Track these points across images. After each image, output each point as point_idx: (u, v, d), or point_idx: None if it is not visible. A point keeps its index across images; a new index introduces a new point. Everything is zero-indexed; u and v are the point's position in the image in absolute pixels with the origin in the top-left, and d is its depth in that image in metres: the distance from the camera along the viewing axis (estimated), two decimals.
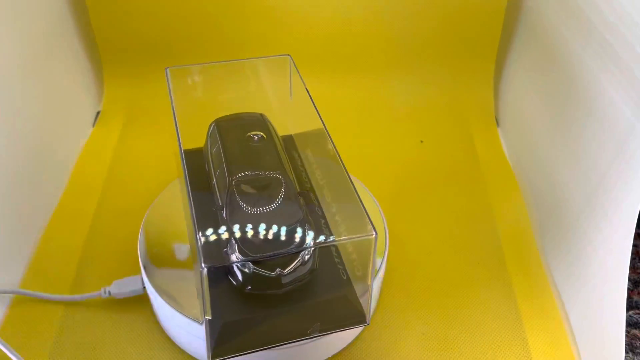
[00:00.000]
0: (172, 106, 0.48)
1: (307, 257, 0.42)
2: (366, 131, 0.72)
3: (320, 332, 0.41)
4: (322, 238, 0.42)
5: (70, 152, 0.66)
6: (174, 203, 0.52)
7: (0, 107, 0.52)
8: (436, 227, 0.60)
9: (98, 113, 0.73)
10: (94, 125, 0.72)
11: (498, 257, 0.57)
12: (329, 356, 0.48)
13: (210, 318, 0.39)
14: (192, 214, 0.39)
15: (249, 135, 0.48)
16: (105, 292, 0.49)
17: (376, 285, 0.48)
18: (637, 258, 0.60)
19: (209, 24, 0.74)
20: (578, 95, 0.54)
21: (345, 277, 0.43)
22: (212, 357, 0.39)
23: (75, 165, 0.65)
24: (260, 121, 0.51)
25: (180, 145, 0.44)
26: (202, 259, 0.36)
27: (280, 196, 0.43)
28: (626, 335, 0.52)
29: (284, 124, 0.54)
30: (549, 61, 0.62)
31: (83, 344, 0.48)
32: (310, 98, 0.49)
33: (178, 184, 0.54)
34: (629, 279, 0.58)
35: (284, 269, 0.40)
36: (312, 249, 0.42)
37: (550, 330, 0.51)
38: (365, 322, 0.42)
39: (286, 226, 0.41)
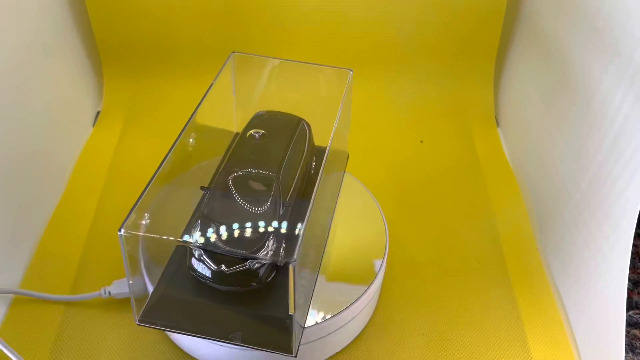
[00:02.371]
0: (212, 84, 0.49)
1: (255, 266, 0.42)
2: (366, 131, 0.72)
3: (241, 343, 0.41)
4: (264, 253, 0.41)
5: (70, 152, 0.66)
6: (174, 203, 0.52)
7: (0, 107, 0.52)
8: (436, 227, 0.60)
9: (98, 113, 0.73)
10: (94, 125, 0.72)
11: (498, 257, 0.57)
12: (329, 356, 0.48)
13: (132, 282, 0.41)
14: (149, 183, 0.41)
15: (251, 134, 0.48)
16: (105, 292, 0.49)
17: (376, 285, 0.48)
18: (637, 258, 0.60)
19: (209, 24, 0.74)
20: (578, 95, 0.54)
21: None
22: (139, 321, 0.42)
23: (75, 165, 0.65)
24: (292, 124, 0.49)
25: (190, 118, 0.46)
26: (123, 224, 0.38)
27: (261, 198, 0.43)
28: (626, 335, 0.52)
29: (344, 139, 0.54)
30: (549, 61, 0.62)
31: (83, 344, 0.48)
32: (337, 117, 0.48)
33: (178, 183, 0.54)
34: (629, 279, 0.58)
35: (228, 267, 0.41)
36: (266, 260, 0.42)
37: (550, 330, 0.51)
38: (291, 354, 0.40)
39: (246, 228, 0.41)
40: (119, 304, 0.50)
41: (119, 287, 0.49)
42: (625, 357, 0.44)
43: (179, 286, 0.43)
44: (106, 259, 0.54)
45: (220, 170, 0.45)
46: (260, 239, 0.41)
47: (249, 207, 0.43)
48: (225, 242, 0.41)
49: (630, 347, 0.52)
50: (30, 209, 0.56)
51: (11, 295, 0.51)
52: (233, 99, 0.54)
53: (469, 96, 0.76)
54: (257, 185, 0.44)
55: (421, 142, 0.71)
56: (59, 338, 0.48)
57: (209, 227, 0.42)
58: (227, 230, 0.41)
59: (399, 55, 0.76)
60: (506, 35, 0.74)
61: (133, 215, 0.39)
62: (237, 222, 0.42)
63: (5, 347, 0.44)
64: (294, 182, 0.46)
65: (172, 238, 0.42)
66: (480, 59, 0.75)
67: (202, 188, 0.45)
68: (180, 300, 0.43)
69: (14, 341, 0.47)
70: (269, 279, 0.43)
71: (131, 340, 0.48)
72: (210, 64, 0.76)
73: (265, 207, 0.42)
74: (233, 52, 0.53)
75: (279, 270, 0.43)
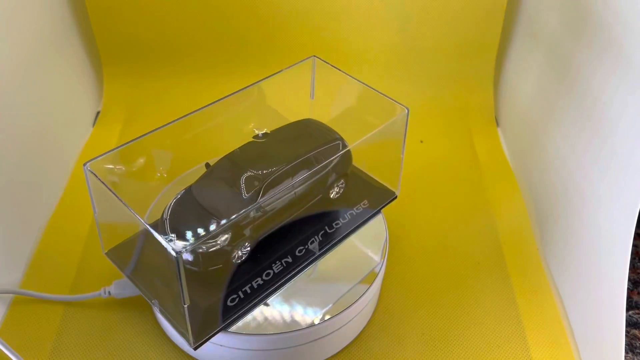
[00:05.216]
0: (276, 74, 0.50)
1: (200, 249, 0.43)
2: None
3: (158, 310, 0.43)
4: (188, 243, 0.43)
5: (70, 152, 0.66)
6: None
7: (0, 107, 0.52)
8: (436, 227, 0.60)
9: (98, 113, 0.73)
10: (94, 125, 0.72)
11: (498, 257, 0.57)
12: (329, 356, 0.48)
13: (96, 215, 0.44)
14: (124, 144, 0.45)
15: (254, 131, 0.48)
16: (105, 292, 0.49)
17: (376, 285, 0.48)
18: (637, 258, 0.60)
19: (209, 25, 0.74)
20: (578, 94, 0.54)
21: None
22: (105, 252, 0.47)
23: (75, 165, 0.65)
24: (323, 140, 0.48)
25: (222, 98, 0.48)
26: (89, 161, 0.42)
27: (241, 194, 0.44)
28: (626, 335, 0.52)
29: (393, 177, 0.53)
30: (549, 61, 0.62)
31: (83, 344, 0.48)
32: (356, 142, 0.48)
33: (177, 184, 0.54)
34: (629, 279, 0.58)
35: (177, 239, 0.43)
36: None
37: (550, 330, 0.51)
38: (190, 345, 0.41)
39: (208, 215, 0.43)
40: (119, 304, 0.50)
41: (119, 287, 0.49)
42: (625, 357, 0.44)
43: (148, 240, 0.45)
44: (106, 259, 0.54)
45: (226, 155, 0.47)
46: (212, 230, 0.42)
47: (227, 198, 0.44)
48: (183, 219, 0.43)
49: (630, 347, 0.52)
50: (30, 209, 0.56)
51: (11, 295, 0.51)
52: (310, 102, 0.55)
53: (469, 96, 0.76)
54: (245, 181, 0.44)
55: (421, 142, 0.71)
56: (59, 338, 0.48)
57: (182, 200, 0.44)
58: (191, 208, 0.43)
59: (399, 55, 0.76)
60: (506, 35, 0.74)
61: (107, 159, 0.43)
62: (208, 205, 0.44)
63: (5, 347, 0.44)
64: (288, 191, 0.46)
65: (119, 198, 0.41)
66: (480, 59, 0.75)
67: (206, 164, 0.47)
68: (137, 251, 0.46)
69: (14, 341, 0.47)
70: (214, 268, 0.44)
71: (131, 340, 0.48)
72: (210, 64, 0.76)
73: (239, 204, 0.43)
74: (314, 56, 0.53)
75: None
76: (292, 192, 0.46)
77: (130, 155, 0.48)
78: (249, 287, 0.44)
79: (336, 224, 0.49)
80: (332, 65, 0.52)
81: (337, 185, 0.50)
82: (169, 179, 0.52)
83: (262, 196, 0.44)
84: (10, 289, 0.51)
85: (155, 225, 0.45)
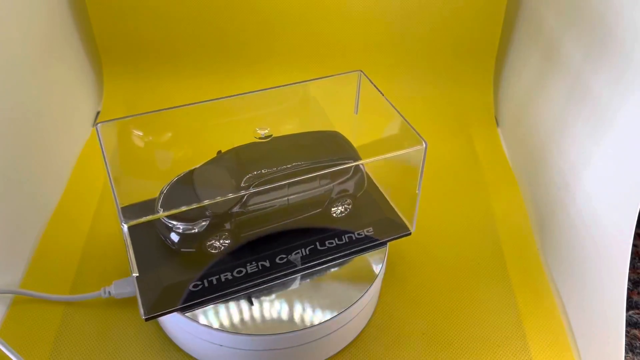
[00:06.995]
0: (313, 80, 0.51)
1: (179, 229, 0.45)
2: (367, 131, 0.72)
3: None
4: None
5: (70, 152, 0.66)
6: None
7: (0, 107, 0.52)
8: (436, 227, 0.60)
9: (98, 113, 0.73)
10: (94, 125, 0.72)
11: (498, 257, 0.57)
12: (329, 356, 0.48)
13: (109, 173, 0.44)
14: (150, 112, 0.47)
15: (259, 134, 0.48)
16: (105, 292, 0.49)
17: (376, 285, 0.48)
18: (637, 258, 0.60)
19: (209, 24, 0.74)
20: (578, 94, 0.54)
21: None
22: (125, 221, 0.47)
23: (75, 165, 0.65)
24: (337, 157, 0.47)
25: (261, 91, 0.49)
26: (101, 122, 0.45)
27: (230, 186, 0.44)
28: (626, 335, 0.52)
29: (407, 211, 0.51)
30: (549, 61, 0.62)
31: (83, 344, 0.48)
32: (361, 162, 0.48)
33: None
34: (629, 279, 0.58)
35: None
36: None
37: (550, 330, 0.51)
38: (141, 313, 0.43)
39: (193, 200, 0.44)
40: (119, 304, 0.50)
41: (119, 287, 0.49)
42: (625, 357, 0.44)
43: (144, 210, 0.46)
44: (106, 259, 0.54)
45: (234, 148, 0.48)
46: (197, 214, 0.43)
47: (217, 188, 0.45)
48: (174, 197, 0.45)
49: (630, 347, 0.52)
50: (30, 209, 0.56)
51: (11, 295, 0.51)
52: (355, 117, 0.54)
53: (469, 96, 0.76)
54: (239, 176, 0.45)
55: None
56: (59, 338, 0.48)
57: (182, 180, 0.46)
58: (185, 189, 0.45)
59: (399, 55, 0.76)
60: (506, 35, 0.74)
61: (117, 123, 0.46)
62: (199, 189, 0.45)
63: (5, 347, 0.44)
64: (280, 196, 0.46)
65: (108, 170, 0.43)
66: (480, 59, 0.76)
67: (218, 152, 0.48)
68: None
69: (14, 341, 0.47)
70: (187, 250, 0.44)
71: (131, 340, 0.48)
72: (210, 64, 0.76)
73: (225, 201, 0.43)
74: (360, 70, 0.52)
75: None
76: (285, 198, 0.46)
77: (162, 128, 0.50)
78: (216, 279, 0.44)
79: (329, 243, 0.48)
80: (373, 84, 0.51)
81: (343, 205, 0.49)
82: (194, 162, 0.51)
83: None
84: (10, 289, 0.51)
85: (153, 199, 0.46)
